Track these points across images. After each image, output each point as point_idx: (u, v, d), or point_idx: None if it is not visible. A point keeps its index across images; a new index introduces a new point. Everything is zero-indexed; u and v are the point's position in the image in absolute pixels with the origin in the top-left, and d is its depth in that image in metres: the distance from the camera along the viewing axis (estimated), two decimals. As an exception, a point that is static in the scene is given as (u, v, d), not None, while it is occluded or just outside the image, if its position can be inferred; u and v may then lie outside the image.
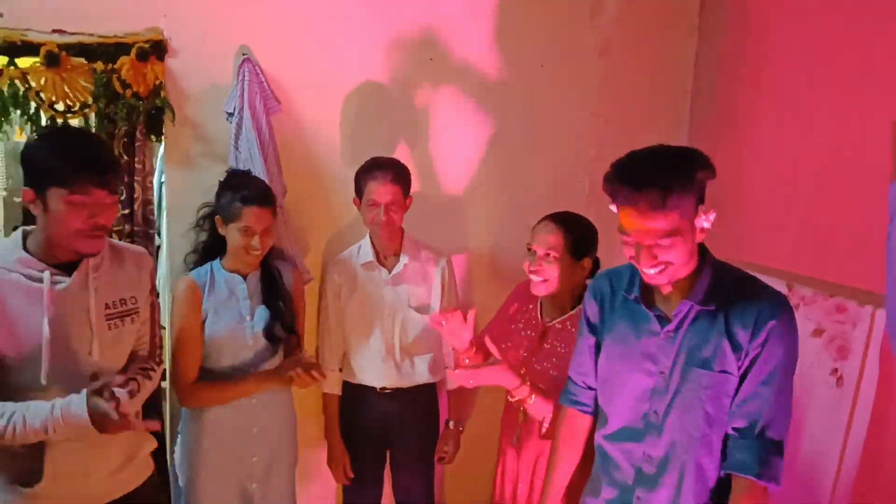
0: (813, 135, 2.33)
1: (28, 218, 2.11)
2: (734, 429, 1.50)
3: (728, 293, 1.52)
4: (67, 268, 1.67)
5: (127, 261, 1.81)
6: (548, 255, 2.00)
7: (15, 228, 2.15)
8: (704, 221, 1.46)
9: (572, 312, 2.07)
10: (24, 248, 1.65)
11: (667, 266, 1.48)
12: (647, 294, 1.61)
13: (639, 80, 2.85)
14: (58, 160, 1.55)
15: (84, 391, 1.56)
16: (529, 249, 2.06)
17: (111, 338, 1.72)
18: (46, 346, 1.60)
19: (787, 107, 2.45)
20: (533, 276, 2.03)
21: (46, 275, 1.62)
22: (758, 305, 1.48)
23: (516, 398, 1.94)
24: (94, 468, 1.74)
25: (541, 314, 2.13)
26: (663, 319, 1.58)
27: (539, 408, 1.93)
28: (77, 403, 1.54)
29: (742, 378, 1.49)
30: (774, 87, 2.53)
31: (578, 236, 2.03)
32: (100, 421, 1.53)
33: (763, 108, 2.57)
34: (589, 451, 1.82)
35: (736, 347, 1.49)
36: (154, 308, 1.89)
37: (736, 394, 1.49)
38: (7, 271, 1.61)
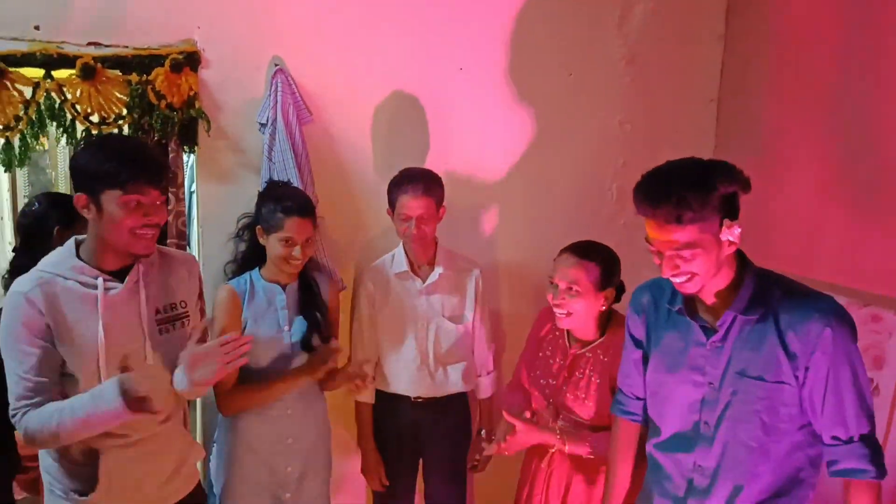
0: (843, 142, 2.32)
1: (29, 236, 2.14)
2: (833, 437, 1.48)
3: (775, 301, 1.51)
4: (119, 275, 1.70)
5: (176, 266, 1.83)
6: (570, 288, 2.00)
7: (25, 240, 2.18)
8: (729, 236, 1.46)
9: (601, 340, 2.07)
10: (77, 256, 1.68)
11: (692, 276, 1.50)
12: (691, 305, 1.61)
13: (666, 88, 2.85)
14: (111, 163, 1.58)
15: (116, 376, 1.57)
16: (552, 282, 2.06)
17: (163, 342, 1.74)
18: (102, 351, 1.63)
19: (816, 114, 2.45)
20: (557, 310, 2.04)
21: (100, 280, 1.65)
22: (809, 313, 1.47)
23: (553, 449, 2.04)
24: (146, 478, 1.76)
25: (568, 341, 2.14)
26: (709, 330, 1.58)
27: (575, 451, 2.00)
28: (109, 385, 1.55)
29: (824, 392, 1.47)
30: (801, 94, 2.52)
31: (601, 268, 2.02)
32: (133, 399, 1.53)
33: (790, 115, 2.57)
34: (641, 460, 1.83)
35: (791, 357, 1.48)
36: (203, 313, 1.90)
37: (822, 406, 1.48)
38: (63, 279, 1.64)
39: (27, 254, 1.99)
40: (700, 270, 1.48)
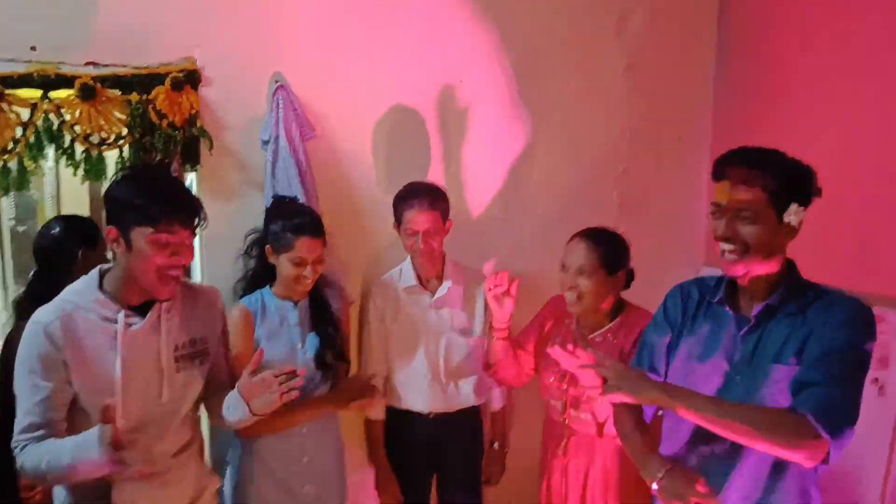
0: (841, 145, 2.36)
1: (49, 260, 2.10)
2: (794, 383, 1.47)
3: (808, 300, 1.54)
4: (142, 309, 1.67)
5: (199, 301, 1.81)
6: (582, 272, 2.02)
7: (44, 265, 2.14)
8: (793, 218, 1.50)
9: (612, 325, 2.08)
10: (101, 288, 1.65)
11: (744, 250, 1.51)
12: (731, 297, 1.64)
13: (663, 95, 2.89)
14: (145, 199, 1.57)
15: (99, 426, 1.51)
16: (563, 268, 2.06)
17: (180, 380, 1.72)
18: (118, 388, 1.60)
19: (811, 118, 2.49)
20: (568, 295, 2.04)
21: (121, 315, 1.63)
22: (834, 309, 1.51)
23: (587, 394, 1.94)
24: None
25: (578, 328, 2.14)
26: (743, 320, 1.60)
27: (606, 408, 1.93)
28: (89, 436, 1.49)
29: (816, 354, 1.48)
30: (794, 100, 2.57)
31: (610, 250, 2.05)
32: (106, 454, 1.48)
33: (785, 120, 2.60)
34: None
35: (810, 343, 1.50)
36: (227, 347, 1.88)
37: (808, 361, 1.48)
38: (85, 311, 1.61)
39: (47, 278, 1.95)
40: (753, 242, 1.51)
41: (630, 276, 2.13)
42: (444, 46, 2.62)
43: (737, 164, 1.52)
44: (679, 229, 2.98)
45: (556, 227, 2.73)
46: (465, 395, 2.43)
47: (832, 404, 1.42)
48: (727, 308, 1.63)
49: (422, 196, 2.29)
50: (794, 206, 1.51)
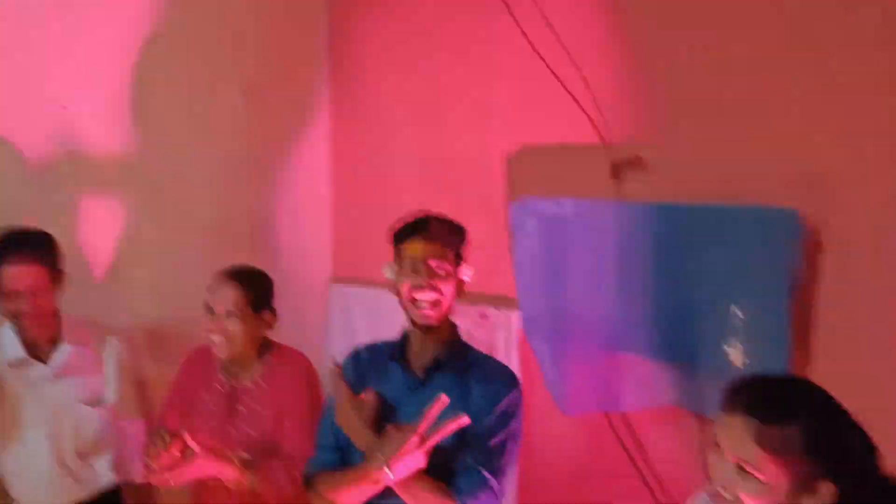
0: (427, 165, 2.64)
1: None
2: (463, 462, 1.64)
3: (469, 362, 1.73)
4: None
5: None
6: (229, 312, 1.95)
7: None
8: (464, 273, 1.71)
9: (263, 369, 2.03)
10: None
11: (438, 300, 1.66)
12: (402, 357, 1.74)
13: (280, 117, 2.89)
14: None
15: None
16: (209, 310, 1.97)
17: None
18: None
19: (411, 142, 2.71)
20: (216, 338, 1.96)
21: None
22: (494, 381, 1.70)
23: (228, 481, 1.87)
24: None
25: (225, 375, 2.05)
26: (412, 378, 1.71)
27: (259, 485, 1.89)
28: None
29: (487, 429, 1.65)
30: (396, 120, 2.76)
31: (257, 289, 2.02)
32: None
33: (392, 128, 2.79)
34: None
35: (472, 410, 1.64)
36: None
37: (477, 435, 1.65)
38: None
39: None
40: (445, 294, 1.67)
41: (274, 314, 2.09)
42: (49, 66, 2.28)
43: (432, 226, 1.70)
44: (308, 250, 3.03)
45: (188, 274, 2.53)
46: (102, 475, 2.11)
47: (484, 490, 1.62)
48: (399, 364, 1.73)
49: (22, 247, 1.93)
50: (465, 265, 1.72)
